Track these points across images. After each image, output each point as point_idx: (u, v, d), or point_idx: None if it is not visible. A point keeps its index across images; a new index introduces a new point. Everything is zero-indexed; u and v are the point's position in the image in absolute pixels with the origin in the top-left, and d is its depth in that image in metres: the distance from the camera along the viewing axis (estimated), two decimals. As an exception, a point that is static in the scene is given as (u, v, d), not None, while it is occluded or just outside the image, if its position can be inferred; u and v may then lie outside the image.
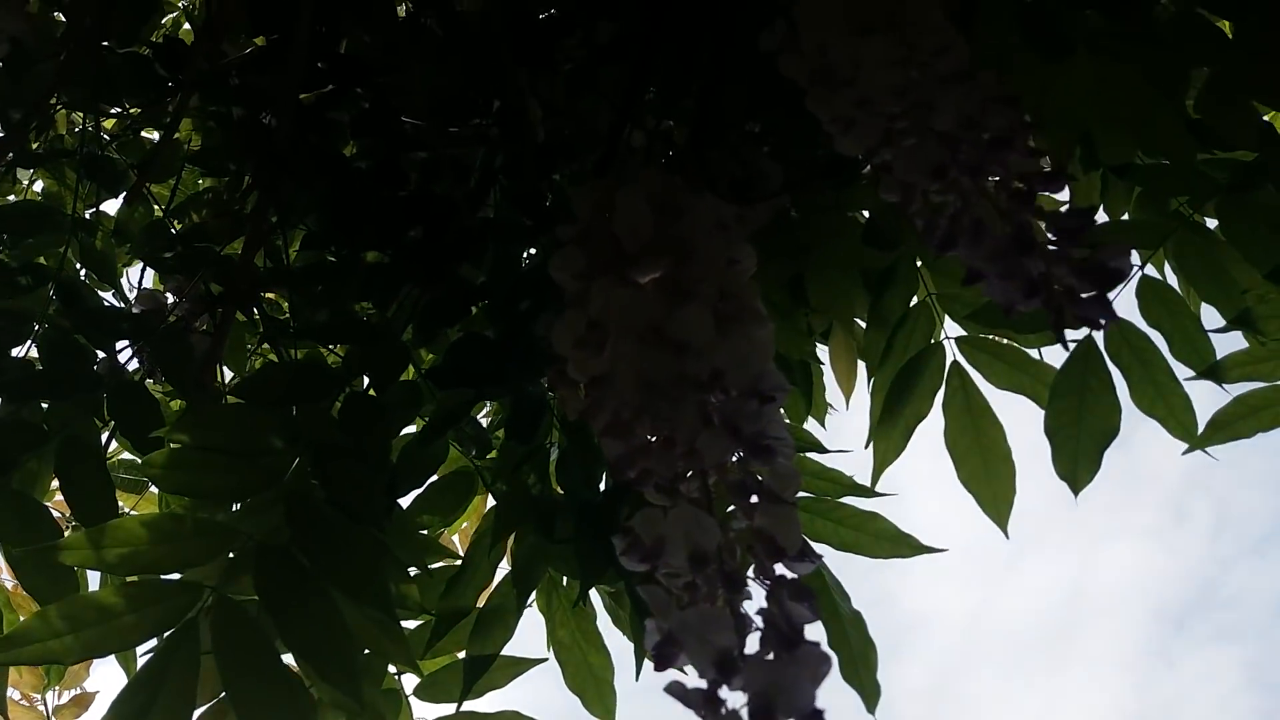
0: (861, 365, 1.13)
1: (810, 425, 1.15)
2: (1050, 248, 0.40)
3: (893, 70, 0.53)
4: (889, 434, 0.99)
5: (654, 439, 0.45)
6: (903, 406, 0.96)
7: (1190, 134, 0.69)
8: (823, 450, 0.95)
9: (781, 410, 0.54)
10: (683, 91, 0.96)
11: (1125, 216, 1.04)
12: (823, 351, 1.20)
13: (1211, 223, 0.89)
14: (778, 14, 0.74)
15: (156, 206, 1.08)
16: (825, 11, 0.64)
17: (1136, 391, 0.84)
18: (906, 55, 0.57)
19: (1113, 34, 0.67)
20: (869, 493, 0.94)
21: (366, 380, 0.93)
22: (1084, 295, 0.35)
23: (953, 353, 0.96)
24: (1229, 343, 0.86)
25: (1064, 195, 0.91)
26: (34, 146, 1.04)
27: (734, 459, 0.45)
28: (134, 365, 1.00)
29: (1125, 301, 0.89)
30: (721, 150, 0.87)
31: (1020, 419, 0.96)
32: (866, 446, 1.01)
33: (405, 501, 0.94)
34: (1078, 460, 0.85)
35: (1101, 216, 1.01)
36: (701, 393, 0.44)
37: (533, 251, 1.07)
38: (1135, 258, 0.86)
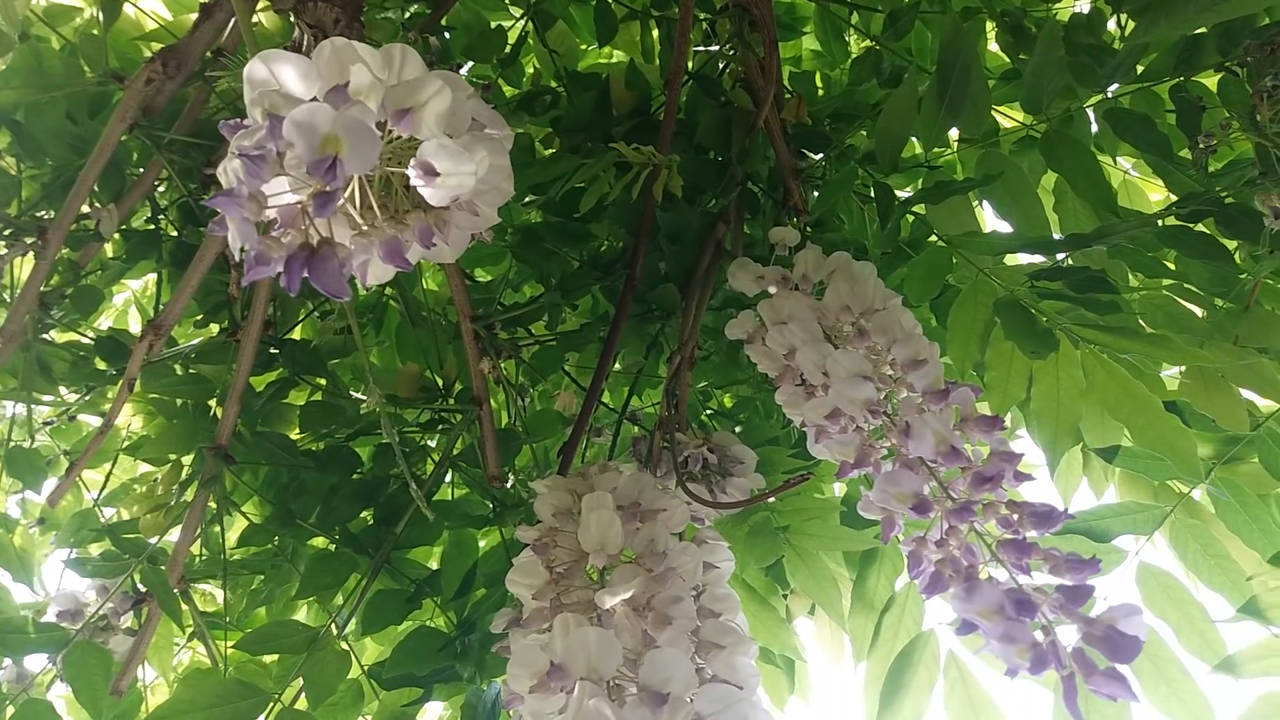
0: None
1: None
2: (1054, 599, 0.39)
3: (863, 385, 0.53)
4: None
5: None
6: (899, 703, 0.92)
7: (1186, 431, 0.70)
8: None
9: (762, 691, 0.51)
10: (649, 372, 0.98)
11: (1111, 489, 1.05)
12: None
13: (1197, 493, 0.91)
14: (746, 305, 0.77)
15: (86, 494, 1.06)
16: (791, 313, 0.66)
17: (1149, 690, 0.82)
18: (876, 364, 0.58)
19: (1095, 326, 0.69)
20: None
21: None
22: (1100, 670, 0.34)
23: (947, 641, 0.93)
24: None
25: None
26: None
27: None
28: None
29: (1124, 587, 0.88)
30: (692, 433, 0.88)
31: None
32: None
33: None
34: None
35: (1087, 494, 1.02)
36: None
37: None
38: (1132, 542, 0.86)
